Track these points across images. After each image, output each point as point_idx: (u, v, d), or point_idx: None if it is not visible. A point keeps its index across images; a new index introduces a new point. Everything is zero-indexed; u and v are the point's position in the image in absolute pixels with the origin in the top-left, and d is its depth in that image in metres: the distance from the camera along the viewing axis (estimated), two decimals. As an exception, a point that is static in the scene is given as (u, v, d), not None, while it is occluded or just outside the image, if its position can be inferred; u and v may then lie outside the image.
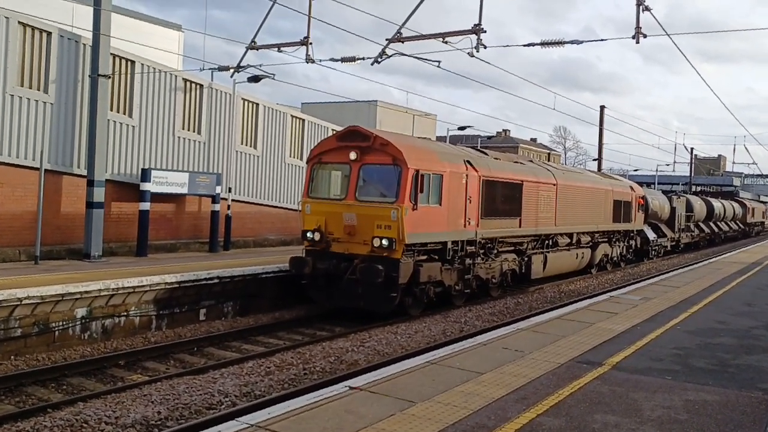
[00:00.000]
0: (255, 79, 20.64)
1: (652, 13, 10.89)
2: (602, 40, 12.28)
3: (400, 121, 44.73)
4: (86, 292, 12.28)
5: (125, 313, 13.08)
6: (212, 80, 22.00)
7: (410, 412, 6.16)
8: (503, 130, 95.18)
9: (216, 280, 14.70)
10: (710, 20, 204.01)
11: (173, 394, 9.34)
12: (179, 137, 20.45)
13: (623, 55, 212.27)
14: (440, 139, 43.70)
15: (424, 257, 14.85)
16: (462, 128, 37.65)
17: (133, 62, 18.80)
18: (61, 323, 12.01)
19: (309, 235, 14.98)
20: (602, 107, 42.91)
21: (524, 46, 12.97)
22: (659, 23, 11.61)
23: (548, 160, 73.51)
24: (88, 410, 8.59)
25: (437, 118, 51.00)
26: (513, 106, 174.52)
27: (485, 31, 12.05)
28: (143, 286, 13.23)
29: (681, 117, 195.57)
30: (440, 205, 14.92)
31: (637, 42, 10.99)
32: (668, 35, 11.94)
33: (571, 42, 11.71)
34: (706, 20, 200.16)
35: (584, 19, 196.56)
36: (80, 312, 12.31)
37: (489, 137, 55.80)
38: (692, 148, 61.79)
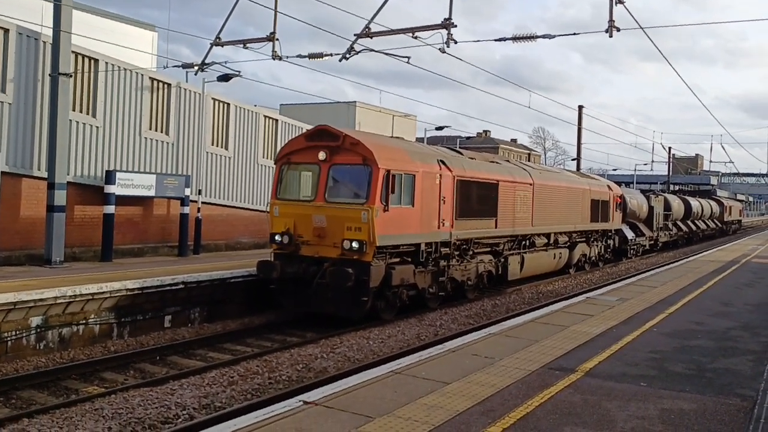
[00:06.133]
0: (225, 78, 20.14)
1: (625, 6, 10.60)
2: (575, 34, 11.98)
3: (379, 122, 44.29)
4: (41, 299, 11.70)
5: (84, 322, 12.51)
6: (186, 80, 21.40)
7: (366, 429, 5.73)
8: (483, 130, 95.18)
9: (181, 286, 14.15)
10: (640, 18, 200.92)
11: (127, 407, 8.84)
12: (146, 138, 19.85)
13: (565, 55, 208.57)
14: (419, 140, 43.33)
15: (397, 260, 14.44)
16: (440, 128, 37.32)
17: (96, 60, 18.18)
18: (14, 333, 11.43)
19: (277, 238, 14.48)
20: (580, 107, 42.82)
21: (496, 40, 12.58)
22: (633, 17, 11.31)
23: (528, 160, 73.55)
24: (32, 427, 8.08)
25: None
26: (469, 106, 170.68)
27: (456, 26, 11.66)
28: (103, 292, 12.67)
29: (636, 116, 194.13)
30: (413, 206, 14.51)
31: (611, 36, 10.66)
32: (642, 29, 11.65)
33: (543, 36, 11.36)
34: (635, 19, 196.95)
35: (514, 20, 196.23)
36: (35, 321, 11.73)
37: (468, 137, 55.65)
38: (670, 148, 61.85)
